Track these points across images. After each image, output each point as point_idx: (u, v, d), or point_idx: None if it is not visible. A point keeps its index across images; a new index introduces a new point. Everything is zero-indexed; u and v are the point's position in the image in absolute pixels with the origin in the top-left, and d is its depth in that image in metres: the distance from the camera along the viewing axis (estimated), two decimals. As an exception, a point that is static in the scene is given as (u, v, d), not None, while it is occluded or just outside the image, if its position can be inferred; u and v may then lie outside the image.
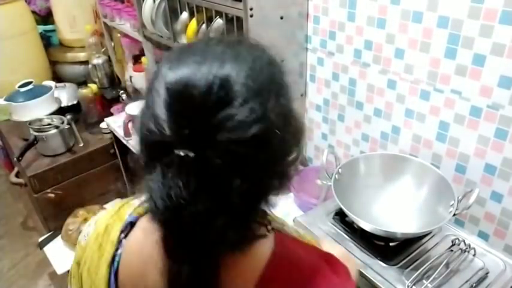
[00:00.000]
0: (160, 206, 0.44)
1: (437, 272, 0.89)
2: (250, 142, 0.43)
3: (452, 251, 0.96)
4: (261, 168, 0.46)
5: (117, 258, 0.57)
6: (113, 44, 2.34)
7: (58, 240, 1.76)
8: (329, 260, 0.58)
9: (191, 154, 0.42)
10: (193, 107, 0.43)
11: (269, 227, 0.55)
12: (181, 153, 0.42)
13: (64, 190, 1.79)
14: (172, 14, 1.56)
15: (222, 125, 0.42)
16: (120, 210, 0.60)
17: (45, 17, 2.62)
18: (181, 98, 0.43)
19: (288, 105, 0.50)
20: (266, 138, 0.45)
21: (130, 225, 0.58)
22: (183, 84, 0.43)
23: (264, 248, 0.53)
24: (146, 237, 0.53)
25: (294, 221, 1.11)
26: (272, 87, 0.47)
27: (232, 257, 0.50)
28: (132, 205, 0.60)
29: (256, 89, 0.44)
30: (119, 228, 0.58)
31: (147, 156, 0.47)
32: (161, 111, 0.44)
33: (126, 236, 0.57)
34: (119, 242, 0.57)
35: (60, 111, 1.96)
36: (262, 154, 0.45)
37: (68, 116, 1.86)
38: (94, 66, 2.25)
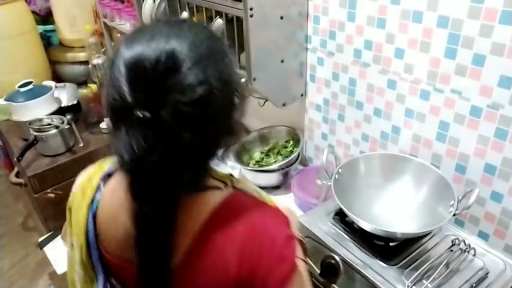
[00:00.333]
0: (125, 158, 0.55)
1: (437, 272, 0.89)
2: (196, 102, 0.53)
3: (452, 251, 0.96)
4: (207, 123, 0.56)
5: (95, 202, 0.69)
6: (113, 44, 2.34)
7: (58, 240, 1.75)
8: (273, 208, 0.68)
9: (147, 114, 0.52)
10: (146, 76, 0.53)
11: (228, 184, 0.68)
12: (140, 114, 0.52)
13: (64, 190, 1.79)
14: (172, 14, 1.56)
15: (171, 89, 0.52)
16: (102, 164, 0.73)
17: (45, 17, 2.62)
18: (137, 70, 0.54)
19: (228, 70, 0.59)
20: (209, 99, 0.55)
21: (109, 175, 0.70)
22: (137, 59, 0.54)
23: (216, 196, 0.64)
24: (119, 185, 0.65)
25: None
26: (212, 56, 0.57)
27: (188, 201, 0.61)
28: (112, 161, 0.69)
29: (198, 58, 0.54)
30: (99, 176, 0.71)
31: (114, 120, 0.57)
32: (122, 82, 0.54)
33: (104, 184, 0.70)
34: (98, 188, 0.70)
35: (60, 111, 1.95)
36: (206, 112, 0.55)
37: (68, 116, 1.86)
38: (94, 66, 2.25)
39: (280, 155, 1.58)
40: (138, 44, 0.55)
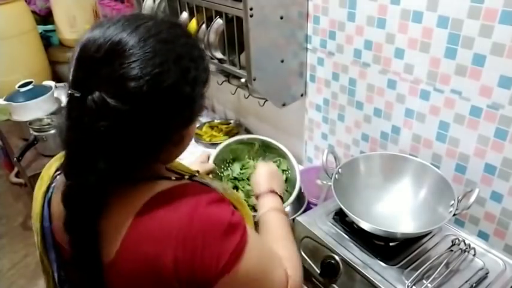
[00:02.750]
0: (61, 138, 0.60)
1: (437, 272, 0.89)
2: (121, 96, 0.54)
3: (452, 251, 0.96)
4: (130, 120, 0.56)
5: (51, 190, 0.70)
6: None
7: (58, 240, 1.76)
8: (217, 198, 0.65)
9: (77, 94, 0.55)
10: (87, 59, 0.56)
11: (174, 177, 0.68)
12: (72, 92, 0.56)
13: (64, 190, 1.79)
14: (172, 14, 1.56)
15: (103, 77, 0.55)
16: (62, 154, 0.71)
17: (45, 17, 2.63)
18: (83, 51, 0.57)
19: (175, 77, 0.58)
20: (138, 97, 0.55)
21: None
22: (87, 42, 0.57)
23: (162, 186, 0.63)
24: None
25: (293, 221, 1.11)
26: (158, 58, 0.56)
27: (122, 191, 0.62)
28: None
29: (140, 56, 0.55)
30: (56, 166, 0.73)
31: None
32: (72, 61, 0.58)
33: (60, 174, 0.71)
34: (54, 177, 0.72)
35: (60, 111, 1.95)
36: (132, 109, 0.55)
37: (68, 116, 1.86)
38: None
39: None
40: (97, 29, 0.58)
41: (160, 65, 0.56)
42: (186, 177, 0.72)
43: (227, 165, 1.34)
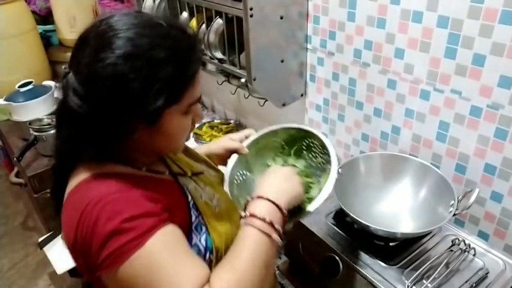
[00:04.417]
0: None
1: (437, 272, 0.89)
2: (81, 80, 0.62)
3: (452, 251, 0.96)
4: (89, 103, 0.61)
5: None
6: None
7: (58, 240, 1.75)
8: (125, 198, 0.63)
9: (67, 70, 0.64)
10: (78, 44, 0.64)
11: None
12: (63, 68, 0.66)
13: (64, 190, 1.79)
14: (172, 13, 1.56)
15: (79, 59, 0.62)
16: None
17: (45, 17, 2.62)
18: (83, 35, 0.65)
19: (122, 68, 0.60)
20: (90, 83, 0.61)
21: None
22: (83, 31, 0.65)
23: (102, 169, 0.67)
24: None
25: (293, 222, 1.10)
26: (106, 51, 0.60)
27: (81, 166, 0.67)
28: None
29: (100, 43, 0.61)
30: None
31: None
32: None
33: None
34: None
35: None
36: (87, 92, 0.61)
37: (68, 116, 1.86)
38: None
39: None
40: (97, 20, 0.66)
41: (108, 58, 0.59)
42: (166, 172, 0.76)
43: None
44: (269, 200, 0.71)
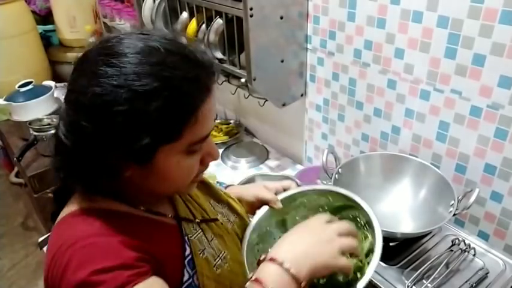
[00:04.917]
0: None
1: (437, 272, 0.89)
2: (69, 102, 0.58)
3: (452, 251, 0.96)
4: (75, 129, 0.56)
5: None
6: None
7: (58, 240, 1.76)
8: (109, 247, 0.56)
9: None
10: (74, 67, 0.60)
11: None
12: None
13: (64, 190, 1.79)
14: (172, 14, 1.56)
15: (69, 85, 0.59)
16: None
17: (45, 17, 2.63)
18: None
19: (118, 98, 0.53)
20: (75, 108, 0.56)
21: None
22: (82, 52, 0.60)
23: (90, 205, 0.61)
24: None
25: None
26: (94, 79, 0.54)
27: (76, 197, 0.63)
28: None
29: (82, 73, 0.57)
30: None
31: None
32: None
33: None
34: None
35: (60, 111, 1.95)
36: (73, 116, 0.56)
37: (68, 116, 1.86)
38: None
39: None
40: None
41: (92, 86, 0.53)
42: (170, 215, 0.66)
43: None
44: (282, 266, 0.56)
